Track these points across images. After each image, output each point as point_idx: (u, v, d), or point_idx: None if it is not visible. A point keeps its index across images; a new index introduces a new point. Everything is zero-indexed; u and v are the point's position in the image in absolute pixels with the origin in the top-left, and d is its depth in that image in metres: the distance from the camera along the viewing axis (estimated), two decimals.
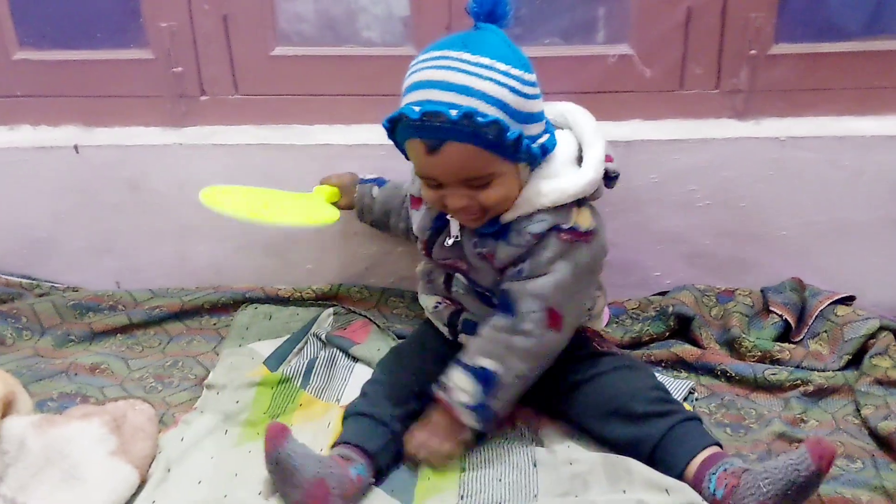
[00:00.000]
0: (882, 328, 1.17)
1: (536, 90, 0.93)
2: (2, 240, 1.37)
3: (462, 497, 0.94)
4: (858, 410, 1.08)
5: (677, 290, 1.27)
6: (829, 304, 1.23)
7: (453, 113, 0.86)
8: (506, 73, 0.90)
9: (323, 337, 1.22)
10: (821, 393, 1.12)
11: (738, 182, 1.26)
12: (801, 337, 1.22)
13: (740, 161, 1.24)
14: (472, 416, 0.96)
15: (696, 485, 0.90)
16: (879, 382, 1.11)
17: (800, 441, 1.03)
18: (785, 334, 1.23)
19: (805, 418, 1.08)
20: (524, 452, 0.99)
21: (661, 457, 0.93)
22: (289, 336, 1.23)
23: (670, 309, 1.23)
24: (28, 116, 1.36)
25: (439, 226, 1.01)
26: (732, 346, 1.20)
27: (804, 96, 1.26)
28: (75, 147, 1.31)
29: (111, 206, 1.33)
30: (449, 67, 0.89)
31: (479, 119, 0.86)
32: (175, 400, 1.13)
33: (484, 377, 0.95)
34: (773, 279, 1.28)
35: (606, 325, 1.23)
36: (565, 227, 0.94)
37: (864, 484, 0.96)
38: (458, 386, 0.96)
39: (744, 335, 1.19)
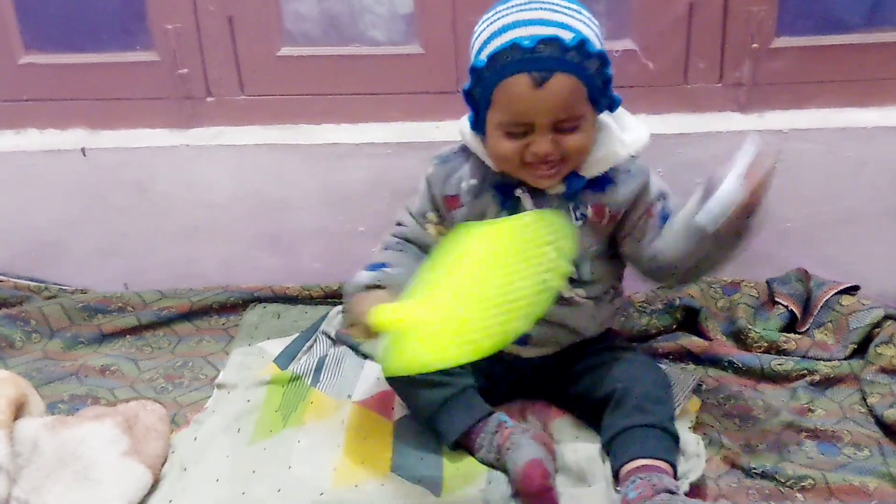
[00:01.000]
0: (887, 317, 1.17)
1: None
2: (10, 243, 1.37)
3: (490, 482, 0.95)
4: (865, 399, 1.09)
5: None
6: (833, 294, 1.24)
7: (568, 39, 0.87)
8: (591, 20, 0.93)
9: (332, 335, 1.22)
10: (827, 382, 1.13)
11: None
12: (807, 327, 1.23)
13: None
14: None
15: (622, 482, 0.91)
16: (885, 371, 1.11)
17: (808, 431, 1.03)
18: (791, 325, 1.23)
19: (812, 408, 1.09)
20: None
21: (615, 446, 0.94)
22: (298, 334, 1.23)
23: (677, 301, 1.24)
24: (35, 120, 1.36)
25: (509, 206, 0.99)
26: (739, 337, 1.21)
27: (806, 89, 1.27)
28: (82, 150, 1.31)
29: (119, 209, 1.34)
30: (543, 8, 0.91)
31: (590, 48, 0.88)
32: (186, 400, 1.14)
33: None
34: (779, 270, 1.28)
35: None
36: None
37: (872, 471, 0.97)
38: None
39: (750, 326, 1.20)
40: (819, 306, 1.23)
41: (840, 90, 1.27)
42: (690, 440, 1.00)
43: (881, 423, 1.04)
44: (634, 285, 1.29)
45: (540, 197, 0.98)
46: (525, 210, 0.97)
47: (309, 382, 1.13)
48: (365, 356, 1.18)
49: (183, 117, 1.34)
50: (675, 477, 0.93)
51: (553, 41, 0.88)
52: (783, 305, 1.24)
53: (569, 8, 0.92)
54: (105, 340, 1.27)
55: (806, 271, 1.28)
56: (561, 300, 1.00)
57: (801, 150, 1.24)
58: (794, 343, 1.18)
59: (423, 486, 0.95)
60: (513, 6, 0.93)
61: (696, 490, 0.94)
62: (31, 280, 1.37)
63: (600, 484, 0.93)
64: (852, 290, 1.25)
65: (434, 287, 0.83)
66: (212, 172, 1.31)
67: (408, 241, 1.05)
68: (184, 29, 1.29)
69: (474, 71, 0.92)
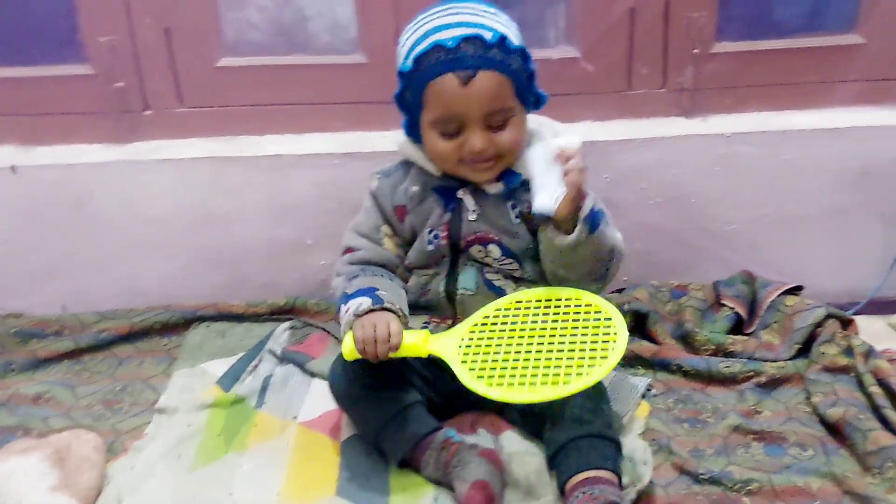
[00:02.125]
0: (829, 316, 1.19)
1: None
2: None
3: (436, 500, 0.94)
4: (809, 398, 1.10)
5: (632, 287, 1.29)
6: (778, 295, 1.25)
7: (488, 36, 0.92)
8: (509, 21, 0.98)
9: (278, 353, 1.20)
10: (773, 383, 1.14)
11: (688, 179, 1.27)
12: (753, 328, 1.24)
13: (689, 158, 1.26)
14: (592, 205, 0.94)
15: (567, 498, 0.91)
16: (827, 370, 1.13)
17: (755, 433, 1.04)
18: (738, 326, 1.25)
19: (759, 409, 1.10)
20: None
21: (558, 461, 0.94)
22: (243, 354, 1.21)
23: (626, 306, 1.24)
24: None
25: (453, 207, 1.01)
26: (687, 340, 1.21)
27: (747, 92, 1.29)
28: (12, 167, 1.27)
29: (55, 228, 1.30)
30: (462, 12, 0.95)
31: (510, 44, 0.93)
32: (125, 426, 1.10)
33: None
34: (725, 272, 1.30)
35: None
36: None
37: (815, 471, 0.98)
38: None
39: (697, 329, 1.21)
40: (764, 307, 1.25)
41: (779, 94, 1.29)
42: (638, 447, 1.00)
43: (824, 422, 1.05)
44: None
45: (481, 196, 1.01)
46: (468, 209, 1.01)
47: (253, 404, 1.11)
48: (312, 374, 1.16)
49: (120, 132, 1.30)
50: (620, 483, 0.93)
51: (474, 39, 0.92)
52: (729, 307, 1.25)
53: (487, 11, 0.97)
54: (40, 366, 1.23)
55: (751, 273, 1.29)
56: (501, 294, 1.02)
57: (744, 154, 1.26)
58: (740, 345, 1.19)
59: None
60: (433, 13, 0.96)
61: (644, 499, 0.94)
62: None
63: (548, 498, 0.93)
64: (796, 290, 1.26)
65: (477, 329, 0.94)
66: (151, 188, 1.28)
67: (369, 263, 1.04)
68: (119, 41, 1.25)
69: (402, 75, 0.95)
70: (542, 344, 0.89)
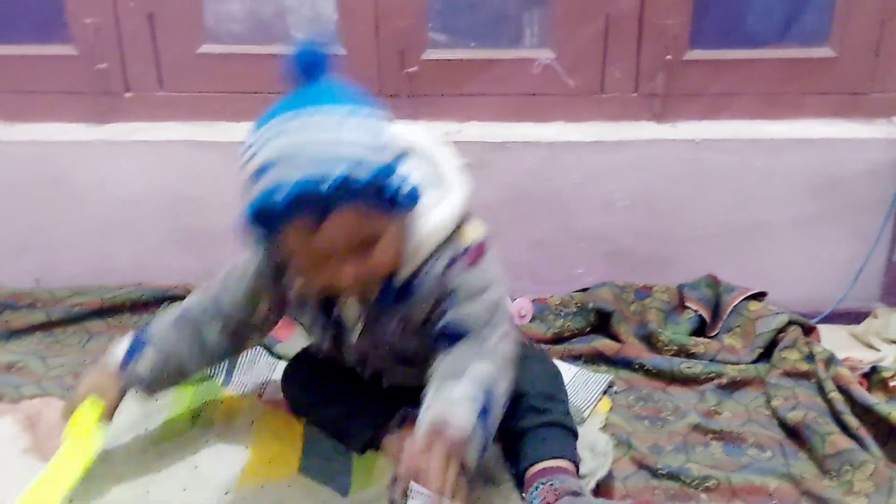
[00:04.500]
0: (791, 322, 1.21)
1: (386, 125, 0.82)
2: None
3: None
4: (769, 401, 1.12)
5: (598, 286, 1.30)
6: (741, 300, 1.27)
7: (325, 187, 0.75)
8: (365, 120, 0.80)
9: None
10: (734, 385, 1.15)
11: (656, 183, 1.29)
12: (716, 331, 1.26)
13: (658, 162, 1.28)
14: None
15: (527, 488, 0.91)
16: (788, 374, 1.15)
17: (715, 433, 1.06)
18: (700, 329, 1.26)
19: (719, 410, 1.11)
20: None
21: (516, 450, 0.94)
22: None
23: (591, 305, 1.26)
24: None
25: (338, 322, 0.92)
26: (650, 340, 1.23)
27: (718, 100, 1.31)
28: None
29: (32, 203, 1.31)
30: (304, 131, 0.78)
31: (357, 183, 0.76)
32: None
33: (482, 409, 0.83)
34: (690, 276, 1.31)
35: (530, 321, 1.26)
36: (462, 252, 0.87)
37: (773, 472, 0.99)
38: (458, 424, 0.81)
39: (660, 330, 1.23)
40: (728, 311, 1.27)
41: (750, 103, 1.31)
42: (599, 439, 1.01)
43: (784, 425, 1.07)
44: (550, 289, 1.31)
45: (363, 306, 0.90)
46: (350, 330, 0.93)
47: (221, 382, 1.12)
48: (279, 357, 1.17)
49: (100, 112, 1.32)
50: (578, 472, 0.93)
51: (309, 193, 0.75)
52: (693, 310, 1.26)
53: (335, 122, 0.78)
54: (13, 337, 1.23)
55: (716, 277, 1.31)
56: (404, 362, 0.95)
57: (713, 160, 1.28)
58: (702, 347, 1.21)
59: (331, 487, 0.95)
60: (273, 126, 0.80)
61: (603, 489, 0.96)
62: None
63: (508, 484, 0.94)
64: (760, 295, 1.28)
65: None
66: (127, 168, 1.29)
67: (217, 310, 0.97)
68: (103, 24, 1.27)
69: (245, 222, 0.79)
70: None
